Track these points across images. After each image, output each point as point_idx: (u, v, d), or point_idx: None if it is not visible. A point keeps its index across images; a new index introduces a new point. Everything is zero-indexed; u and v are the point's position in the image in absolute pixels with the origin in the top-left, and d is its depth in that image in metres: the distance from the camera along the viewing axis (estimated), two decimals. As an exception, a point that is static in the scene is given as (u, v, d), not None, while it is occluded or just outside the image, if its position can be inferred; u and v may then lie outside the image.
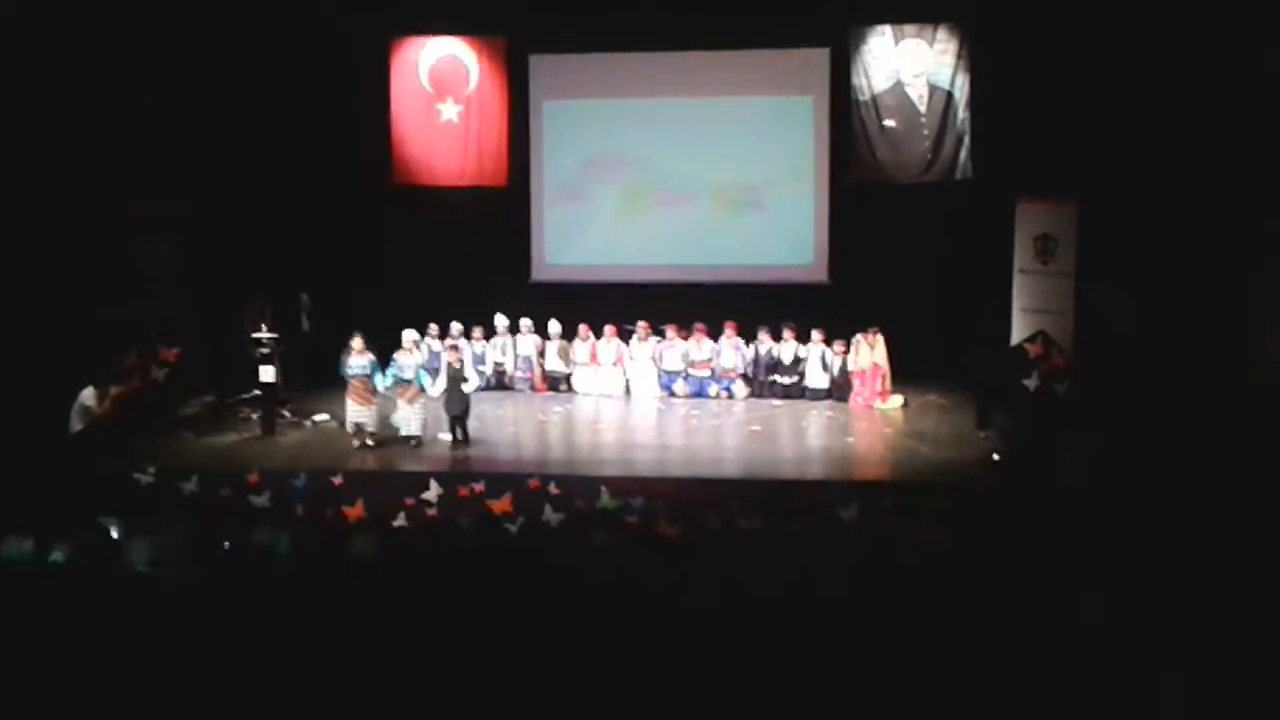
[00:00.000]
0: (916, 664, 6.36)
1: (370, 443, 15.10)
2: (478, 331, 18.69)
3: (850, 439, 15.84)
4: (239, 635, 6.84)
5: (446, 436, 15.39)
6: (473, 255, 19.83)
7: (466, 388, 15.33)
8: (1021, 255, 17.25)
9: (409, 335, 15.94)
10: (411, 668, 6.53)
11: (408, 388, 15.12)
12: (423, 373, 15.33)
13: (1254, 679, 6.14)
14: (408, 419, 15.16)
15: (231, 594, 7.45)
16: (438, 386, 15.40)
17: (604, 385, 18.45)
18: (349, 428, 15.23)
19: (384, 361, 15.36)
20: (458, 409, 15.27)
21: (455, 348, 16.55)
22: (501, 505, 13.14)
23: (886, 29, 18.68)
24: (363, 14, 18.80)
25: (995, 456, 14.33)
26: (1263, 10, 14.67)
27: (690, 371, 18.38)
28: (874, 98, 18.80)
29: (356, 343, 15.24)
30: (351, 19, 18.68)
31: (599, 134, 20.37)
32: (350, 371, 15.15)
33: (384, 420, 15.30)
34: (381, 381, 15.15)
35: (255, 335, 16.06)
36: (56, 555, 7.96)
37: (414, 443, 15.13)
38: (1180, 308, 15.41)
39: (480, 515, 12.68)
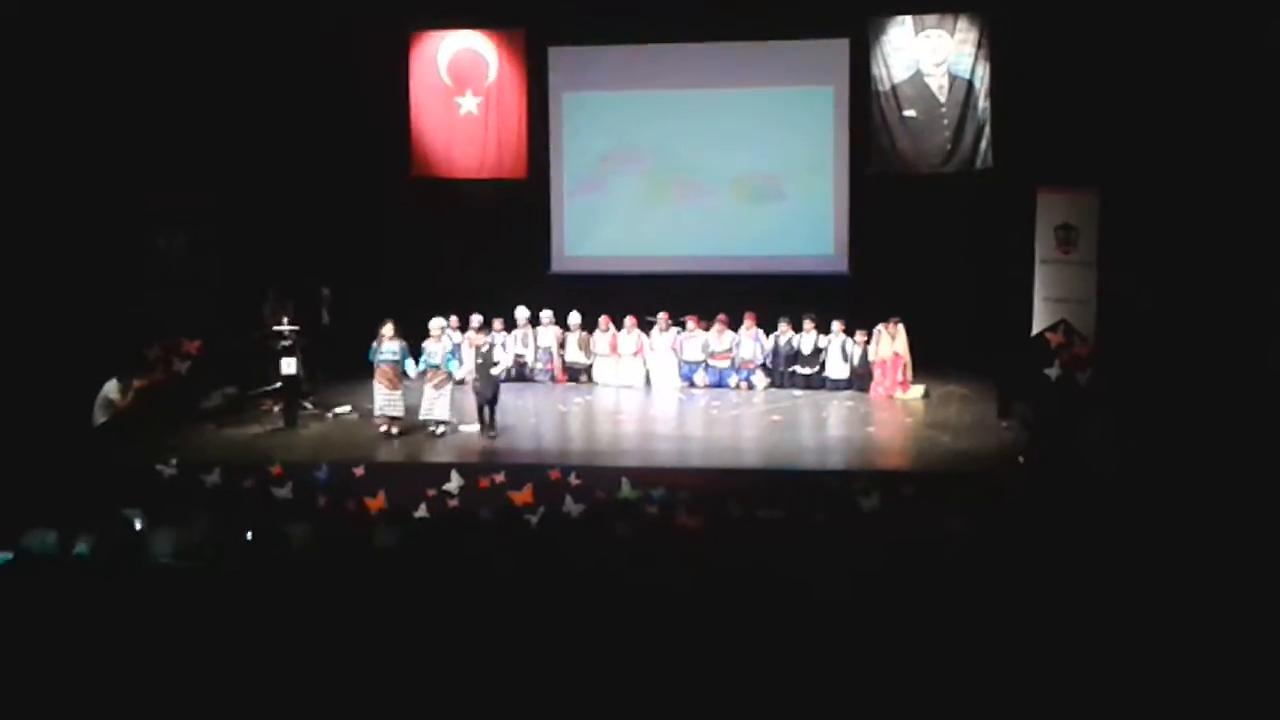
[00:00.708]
0: (936, 654, 6.35)
1: (395, 430, 15.20)
2: (498, 323, 18.71)
3: (871, 429, 15.81)
4: (262, 626, 6.86)
5: (472, 428, 15.42)
6: (492, 247, 19.87)
7: (496, 370, 15.35)
8: (1042, 245, 17.20)
9: (437, 323, 15.94)
10: (432, 659, 6.55)
11: (436, 373, 15.19)
12: (451, 357, 15.38)
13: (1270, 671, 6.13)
14: (432, 405, 15.21)
15: (254, 585, 7.48)
16: (465, 368, 15.42)
17: (624, 376, 18.47)
18: (376, 413, 15.31)
19: (413, 350, 15.44)
20: (489, 394, 15.32)
21: (483, 328, 16.66)
22: (522, 496, 13.18)
23: (906, 19, 18.64)
24: (382, 8, 18.82)
25: (1020, 459, 14.25)
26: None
27: (710, 362, 18.39)
28: (894, 88, 18.77)
29: (388, 329, 15.33)
30: (370, 13, 18.70)
31: (618, 125, 20.40)
32: (381, 357, 15.24)
33: (410, 407, 15.36)
34: (412, 368, 15.23)
35: (276, 328, 16.12)
36: (80, 547, 8.00)
37: (439, 429, 15.21)
38: (1202, 296, 15.35)
39: (501, 506, 12.71)
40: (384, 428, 15.25)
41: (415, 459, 14.34)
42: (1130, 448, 13.10)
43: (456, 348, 16.27)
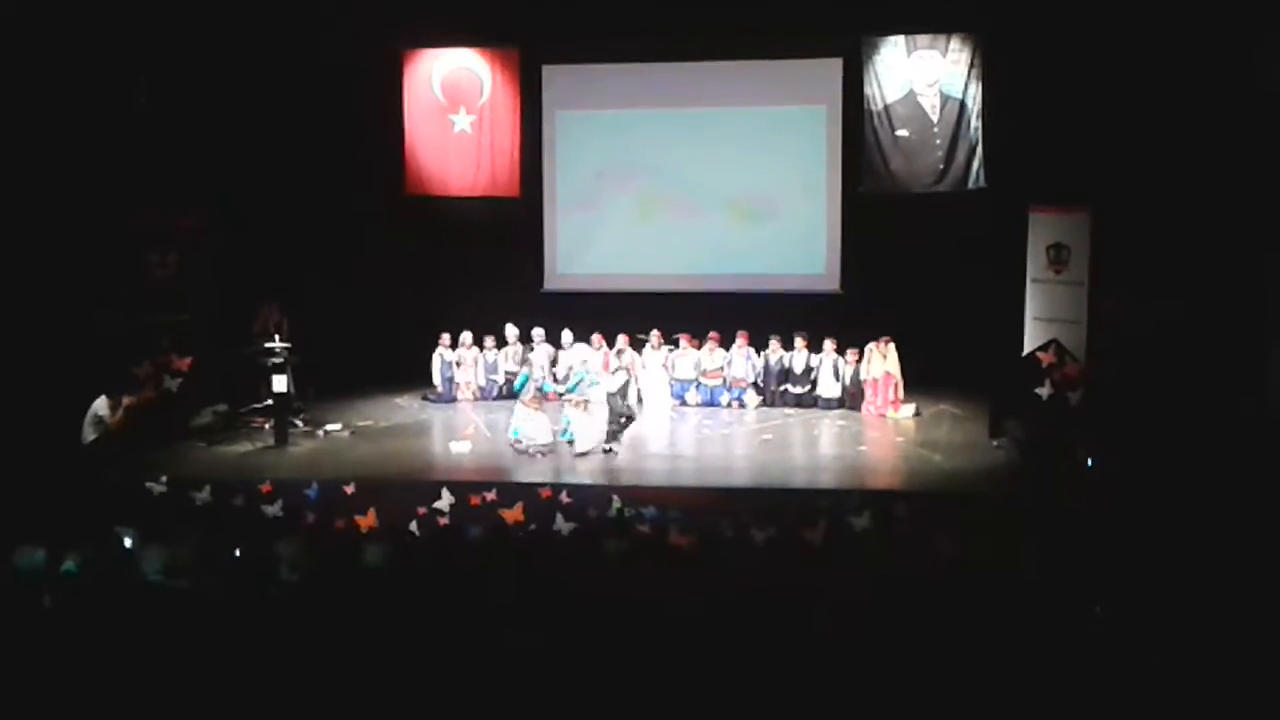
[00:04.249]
0: (928, 674, 6.34)
1: (531, 452, 15.23)
2: (489, 341, 18.75)
3: (862, 448, 15.81)
4: (251, 644, 6.84)
5: (463, 446, 15.47)
6: (485, 265, 19.87)
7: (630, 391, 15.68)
8: (1034, 264, 17.24)
9: (580, 351, 16.34)
10: (422, 677, 6.52)
11: (576, 397, 15.40)
12: (586, 374, 15.58)
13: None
14: (587, 428, 15.34)
15: (243, 603, 7.46)
16: (609, 386, 15.53)
17: (616, 395, 18.45)
18: (531, 441, 15.31)
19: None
20: (631, 411, 15.57)
21: (621, 352, 16.99)
22: (514, 514, 13.12)
23: (899, 39, 18.67)
24: (375, 26, 18.82)
25: (995, 445, 14.54)
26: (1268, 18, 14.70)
27: (702, 380, 18.39)
28: (886, 108, 18.78)
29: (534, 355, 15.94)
30: (364, 31, 18.70)
31: (612, 144, 20.41)
32: (546, 387, 15.62)
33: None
34: (551, 389, 15.67)
35: (267, 345, 16.10)
36: (68, 565, 7.97)
37: (608, 450, 15.33)
38: (1193, 317, 15.36)
39: (492, 524, 12.68)
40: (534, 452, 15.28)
41: (407, 477, 14.30)
42: (1117, 469, 13.13)
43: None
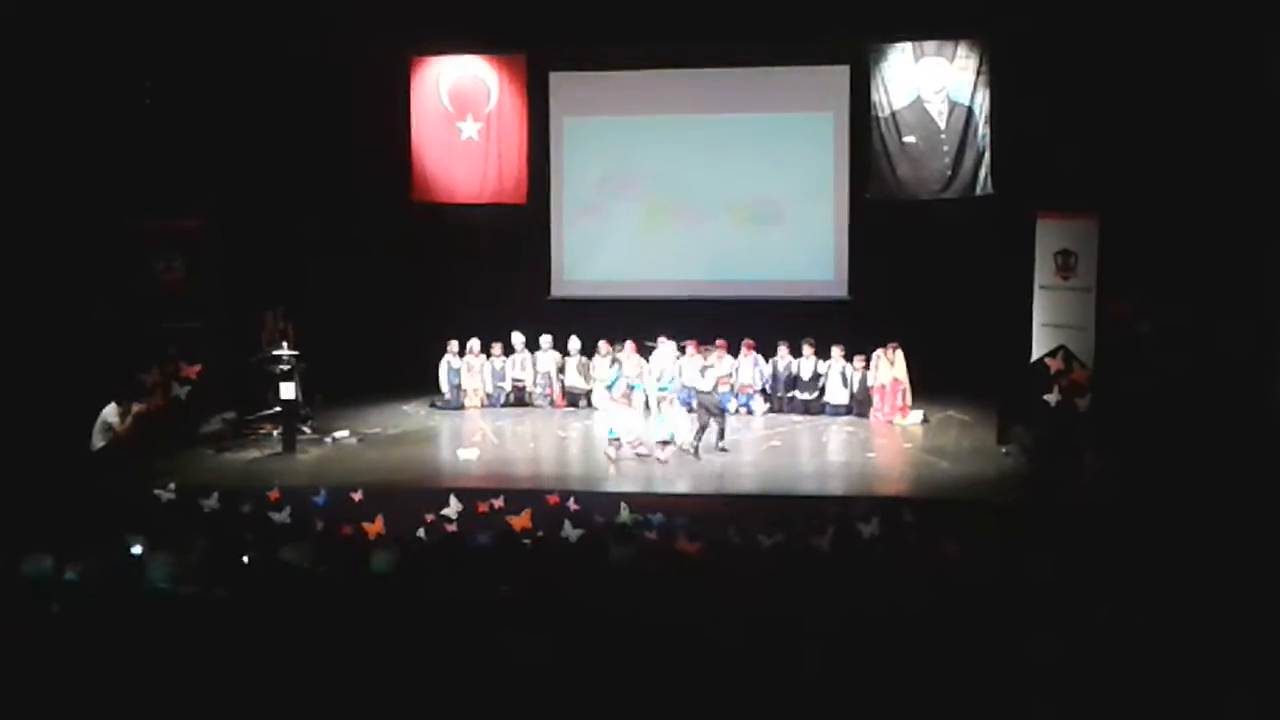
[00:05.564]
0: (936, 680, 6.33)
1: (613, 454, 15.28)
2: (497, 348, 18.77)
3: (870, 454, 15.80)
4: (258, 650, 6.84)
5: (470, 453, 15.47)
6: (492, 272, 19.90)
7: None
8: (1042, 271, 17.19)
9: (669, 347, 16.72)
10: (430, 684, 6.52)
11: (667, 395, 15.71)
12: (668, 377, 15.88)
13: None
14: (677, 425, 15.55)
15: (252, 610, 7.45)
16: (702, 386, 15.68)
17: (623, 401, 18.44)
18: (620, 437, 15.40)
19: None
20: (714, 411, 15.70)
21: (703, 347, 17.24)
22: (521, 521, 13.11)
23: (906, 46, 18.63)
24: (383, 33, 18.81)
25: (1004, 450, 14.63)
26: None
27: (709, 387, 18.36)
28: (894, 114, 18.76)
29: (624, 355, 16.18)
30: (371, 38, 18.69)
31: (619, 151, 20.43)
32: (637, 387, 15.82)
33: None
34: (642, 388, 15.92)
35: (275, 352, 16.11)
36: (69, 574, 7.96)
37: (690, 449, 15.45)
38: (1202, 323, 15.33)
39: (500, 531, 12.68)
40: (613, 452, 15.34)
41: (414, 483, 14.31)
42: (1127, 474, 13.11)
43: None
